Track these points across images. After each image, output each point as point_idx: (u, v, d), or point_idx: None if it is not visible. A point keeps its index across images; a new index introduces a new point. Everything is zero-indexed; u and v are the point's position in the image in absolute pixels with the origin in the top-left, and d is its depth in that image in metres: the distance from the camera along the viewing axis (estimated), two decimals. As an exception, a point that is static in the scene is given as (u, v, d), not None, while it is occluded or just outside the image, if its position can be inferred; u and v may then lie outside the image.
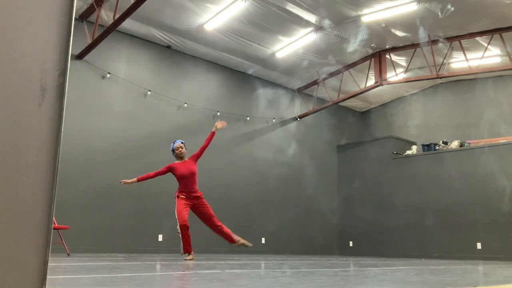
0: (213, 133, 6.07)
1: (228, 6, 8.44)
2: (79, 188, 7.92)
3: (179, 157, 5.95)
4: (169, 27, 9.09)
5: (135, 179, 5.80)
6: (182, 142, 6.05)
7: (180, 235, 5.66)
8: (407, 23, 9.34)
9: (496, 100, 11.53)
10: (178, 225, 5.67)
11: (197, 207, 5.85)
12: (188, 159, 6.00)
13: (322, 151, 12.69)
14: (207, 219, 5.87)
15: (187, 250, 5.69)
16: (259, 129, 11.24)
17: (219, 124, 6.09)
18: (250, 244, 5.86)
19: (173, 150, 6.01)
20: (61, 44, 0.79)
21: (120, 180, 5.93)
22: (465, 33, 9.64)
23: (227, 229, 5.87)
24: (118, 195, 8.45)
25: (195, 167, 5.94)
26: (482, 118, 11.39)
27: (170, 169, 5.90)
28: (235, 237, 5.83)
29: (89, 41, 8.02)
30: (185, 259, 5.56)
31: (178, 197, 5.83)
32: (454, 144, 11.10)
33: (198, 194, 5.90)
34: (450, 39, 9.87)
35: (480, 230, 9.89)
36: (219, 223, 5.87)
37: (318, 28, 9.48)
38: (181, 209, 5.70)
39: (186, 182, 5.83)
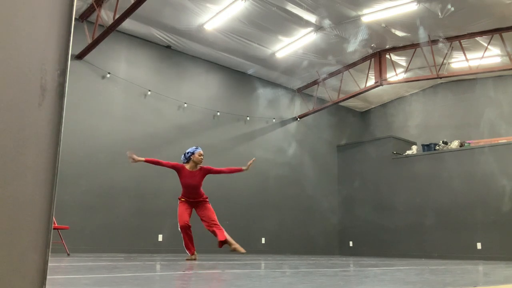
0: (240, 170, 5.87)
1: (228, 6, 8.44)
2: (79, 188, 7.92)
3: (196, 163, 5.70)
4: (169, 27, 9.09)
5: (143, 158, 5.64)
6: None
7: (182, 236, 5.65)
8: (407, 23, 9.34)
9: (496, 100, 11.53)
10: (179, 226, 5.65)
11: (199, 208, 5.78)
12: (200, 169, 5.74)
13: (322, 151, 12.69)
14: (206, 220, 5.73)
15: (190, 251, 5.68)
16: (259, 129, 11.24)
17: (249, 167, 5.87)
18: (243, 250, 5.53)
19: (191, 154, 5.72)
20: (61, 44, 0.79)
21: (128, 152, 5.66)
22: (465, 33, 9.64)
23: (222, 232, 5.61)
24: (118, 195, 8.45)
25: (201, 180, 5.72)
26: (482, 118, 11.39)
27: (177, 170, 5.69)
28: (229, 240, 5.54)
29: (89, 41, 8.02)
30: (187, 259, 5.56)
31: (180, 199, 5.78)
32: (454, 144, 11.09)
33: (201, 199, 5.77)
34: (450, 39, 9.87)
35: (480, 230, 9.89)
36: (217, 225, 5.67)
37: (318, 28, 9.47)
38: (182, 211, 5.66)
39: (189, 190, 5.70)
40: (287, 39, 9.87)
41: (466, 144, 10.87)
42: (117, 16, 7.27)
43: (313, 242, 11.66)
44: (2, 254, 0.71)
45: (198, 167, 5.75)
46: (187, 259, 5.56)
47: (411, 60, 10.69)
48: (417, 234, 10.86)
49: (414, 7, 8.57)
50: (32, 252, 0.74)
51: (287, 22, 9.17)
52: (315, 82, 11.85)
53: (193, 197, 5.74)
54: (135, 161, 5.61)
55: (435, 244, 10.51)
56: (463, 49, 9.78)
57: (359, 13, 9.01)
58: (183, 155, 5.87)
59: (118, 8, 7.28)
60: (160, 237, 8.85)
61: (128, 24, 8.59)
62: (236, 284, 2.15)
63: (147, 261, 5.00)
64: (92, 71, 8.53)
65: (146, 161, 5.67)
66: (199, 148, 5.83)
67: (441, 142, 11.34)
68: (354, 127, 13.90)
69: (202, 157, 5.72)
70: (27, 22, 0.76)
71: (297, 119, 12.16)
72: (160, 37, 9.39)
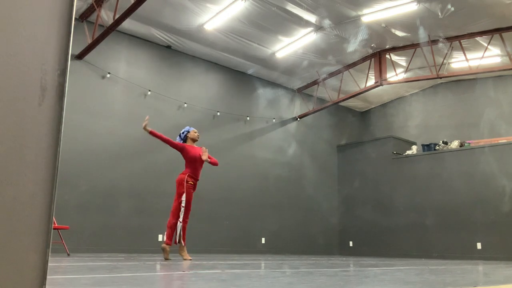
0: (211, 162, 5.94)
1: (228, 6, 8.44)
2: (79, 188, 7.92)
3: (193, 140, 5.97)
4: (169, 27, 9.09)
5: (149, 129, 5.73)
6: None
7: (181, 223, 5.64)
8: (407, 23, 9.34)
9: (496, 100, 11.53)
10: (183, 215, 5.62)
11: None
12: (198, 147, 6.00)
13: (322, 151, 12.69)
14: None
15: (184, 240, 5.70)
16: (259, 129, 11.24)
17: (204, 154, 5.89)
18: (166, 256, 5.53)
19: (187, 132, 5.97)
20: (61, 44, 0.79)
21: (147, 118, 5.77)
22: (465, 33, 9.64)
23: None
24: (118, 195, 8.45)
25: None
26: (482, 118, 11.39)
27: (183, 149, 5.84)
28: (169, 241, 5.70)
29: (89, 41, 8.02)
30: (184, 259, 5.56)
31: (187, 182, 5.71)
32: (454, 144, 11.09)
33: (197, 181, 5.93)
34: (450, 39, 9.87)
35: (480, 230, 9.89)
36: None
37: (318, 28, 9.47)
38: (190, 201, 5.68)
39: (196, 166, 5.82)
40: (287, 39, 9.87)
41: (466, 144, 10.87)
42: (117, 16, 7.27)
43: (313, 242, 11.66)
44: (2, 254, 0.71)
45: (195, 144, 6.00)
46: (185, 259, 5.54)
47: (411, 60, 10.69)
48: (417, 234, 10.86)
49: (414, 7, 8.57)
50: (32, 252, 0.74)
51: (287, 22, 9.17)
52: (315, 82, 11.85)
53: (197, 175, 5.85)
54: (144, 126, 5.74)
55: (435, 244, 10.51)
56: (463, 49, 9.78)
57: (359, 13, 9.01)
58: (178, 136, 6.04)
59: (118, 8, 7.28)
60: (160, 237, 8.85)
61: (128, 24, 8.59)
62: (236, 284, 2.15)
63: (147, 261, 5.00)
64: (92, 71, 8.52)
65: (151, 133, 5.76)
66: (191, 127, 6.13)
67: (441, 142, 11.34)
68: (354, 127, 13.90)
69: (197, 134, 6.04)
70: (27, 22, 0.76)
71: (297, 119, 12.16)
72: (160, 37, 9.39)
